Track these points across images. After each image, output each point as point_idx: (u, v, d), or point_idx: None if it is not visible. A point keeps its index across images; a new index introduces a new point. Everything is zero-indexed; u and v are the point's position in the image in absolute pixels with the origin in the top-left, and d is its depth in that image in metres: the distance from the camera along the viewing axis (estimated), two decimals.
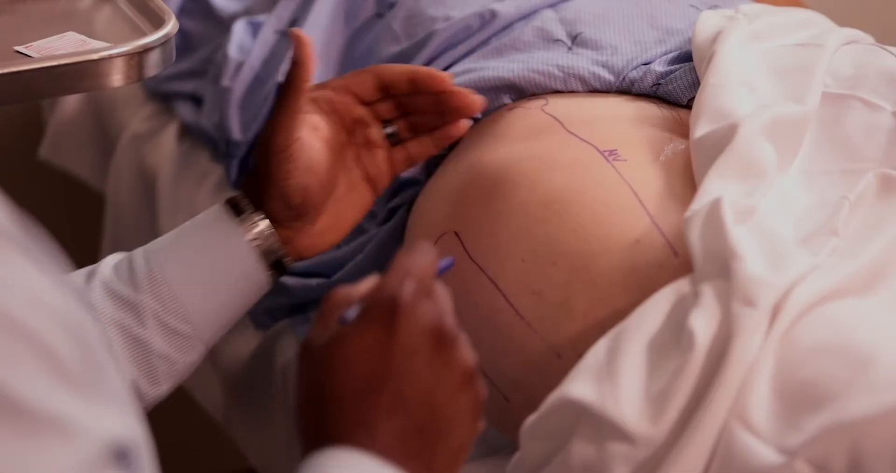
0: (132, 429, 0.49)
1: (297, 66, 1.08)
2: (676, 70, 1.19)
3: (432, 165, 1.25)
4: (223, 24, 1.61)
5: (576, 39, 1.27)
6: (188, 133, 1.61)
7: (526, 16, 1.33)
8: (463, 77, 1.24)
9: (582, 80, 1.21)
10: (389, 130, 1.16)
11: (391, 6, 1.45)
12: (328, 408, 0.81)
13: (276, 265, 1.11)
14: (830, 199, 1.02)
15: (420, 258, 0.85)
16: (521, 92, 1.21)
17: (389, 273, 0.84)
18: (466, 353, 0.84)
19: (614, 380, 0.88)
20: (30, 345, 0.47)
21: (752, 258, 0.90)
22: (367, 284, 0.85)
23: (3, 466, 0.45)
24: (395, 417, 0.81)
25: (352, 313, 0.83)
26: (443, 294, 0.84)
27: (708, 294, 0.89)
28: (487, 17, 1.32)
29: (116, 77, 1.14)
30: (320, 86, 1.14)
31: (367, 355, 0.81)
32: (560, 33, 1.28)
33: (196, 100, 1.61)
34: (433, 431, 0.82)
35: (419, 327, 0.82)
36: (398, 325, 0.81)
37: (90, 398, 0.48)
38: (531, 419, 0.92)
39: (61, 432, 0.47)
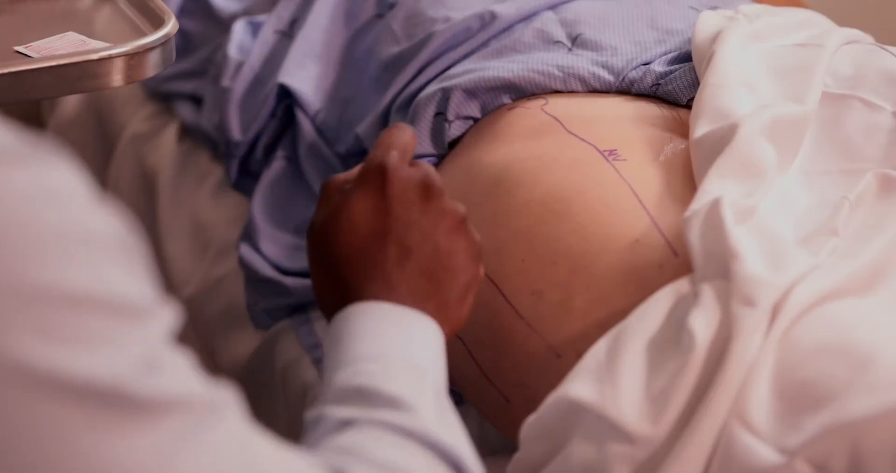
0: (151, 296, 0.60)
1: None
2: (676, 70, 1.19)
3: (432, 165, 1.25)
4: (223, 24, 1.62)
5: (576, 41, 1.27)
6: (188, 133, 1.61)
7: (526, 17, 1.34)
8: (463, 77, 1.24)
9: (582, 80, 1.21)
10: None
11: (391, 7, 1.45)
12: (342, 272, 0.90)
13: None
14: (830, 199, 1.02)
15: (400, 134, 0.96)
16: (520, 92, 1.21)
17: (374, 148, 0.94)
18: (455, 203, 0.93)
19: (614, 380, 0.88)
20: (123, 250, 0.58)
21: (751, 258, 0.90)
22: (359, 167, 0.95)
23: (106, 337, 0.56)
24: (404, 264, 0.89)
25: (347, 187, 0.93)
26: (423, 163, 0.95)
27: (708, 294, 0.89)
28: (487, 19, 1.32)
29: (116, 77, 1.14)
30: None
31: (366, 214, 0.91)
32: (560, 35, 1.28)
33: (196, 100, 1.61)
34: (440, 272, 0.90)
35: (408, 182, 0.92)
36: (389, 183, 0.91)
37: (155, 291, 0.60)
38: (531, 419, 0.92)
39: (151, 312, 0.59)
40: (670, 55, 1.23)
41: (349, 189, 0.93)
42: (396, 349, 0.84)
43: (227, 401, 0.63)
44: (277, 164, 1.44)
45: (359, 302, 0.88)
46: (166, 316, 0.60)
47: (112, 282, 0.57)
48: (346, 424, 0.77)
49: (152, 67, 1.16)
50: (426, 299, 0.90)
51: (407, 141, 0.96)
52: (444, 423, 0.81)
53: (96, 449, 0.55)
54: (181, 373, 0.60)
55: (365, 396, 0.79)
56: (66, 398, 0.54)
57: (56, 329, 0.54)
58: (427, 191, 0.93)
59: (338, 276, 0.90)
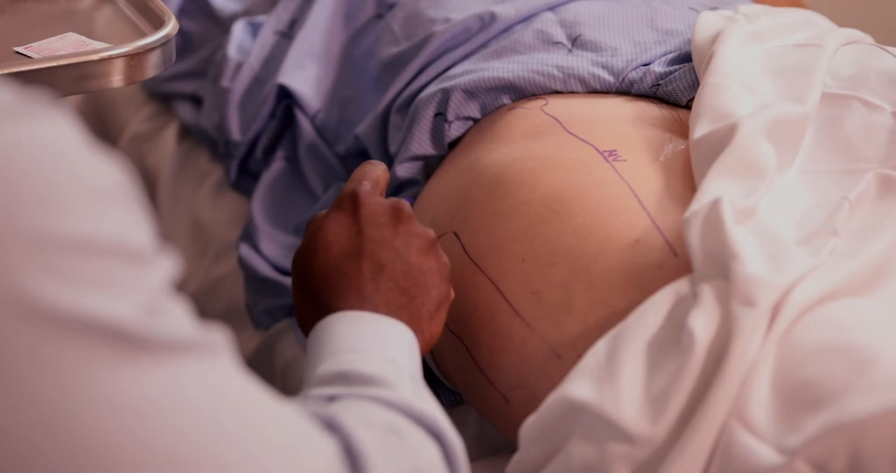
0: (151, 242, 0.62)
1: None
2: (676, 71, 1.19)
3: (432, 165, 1.25)
4: (223, 25, 1.62)
5: (575, 42, 1.27)
6: (188, 133, 1.61)
7: (525, 18, 1.34)
8: (463, 78, 1.24)
9: (581, 80, 1.21)
10: None
11: (391, 7, 1.45)
12: (318, 290, 0.95)
13: None
14: (830, 199, 1.02)
15: (372, 168, 1.04)
16: (520, 92, 1.21)
17: (348, 181, 1.02)
18: (425, 227, 1.01)
19: (614, 380, 0.88)
20: (123, 197, 0.61)
21: (751, 259, 0.90)
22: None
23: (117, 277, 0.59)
24: (377, 278, 0.95)
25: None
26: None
27: (707, 295, 0.89)
28: (487, 20, 1.32)
29: (117, 78, 1.14)
30: None
31: (339, 235, 0.98)
32: (560, 36, 1.28)
33: (196, 100, 1.61)
34: (413, 286, 0.96)
35: (379, 206, 1.00)
36: (360, 207, 0.99)
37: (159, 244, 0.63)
38: (531, 419, 0.92)
39: (152, 258, 0.62)
40: (670, 56, 1.23)
41: (323, 216, 0.99)
42: (371, 346, 0.89)
43: (221, 346, 0.65)
44: (277, 164, 1.44)
45: (334, 314, 0.92)
46: (166, 264, 0.62)
47: (116, 228, 0.60)
48: (330, 399, 0.81)
49: (152, 67, 1.16)
50: (400, 310, 0.95)
51: (379, 175, 1.03)
52: (422, 399, 0.84)
53: (100, 383, 0.58)
54: (179, 319, 0.62)
55: (344, 378, 0.83)
56: (74, 335, 0.57)
57: (64, 272, 0.57)
58: (397, 214, 0.99)
59: (315, 295, 0.95)
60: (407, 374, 0.87)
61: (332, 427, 0.74)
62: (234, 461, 0.63)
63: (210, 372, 0.63)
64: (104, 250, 0.59)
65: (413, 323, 0.95)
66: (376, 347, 0.89)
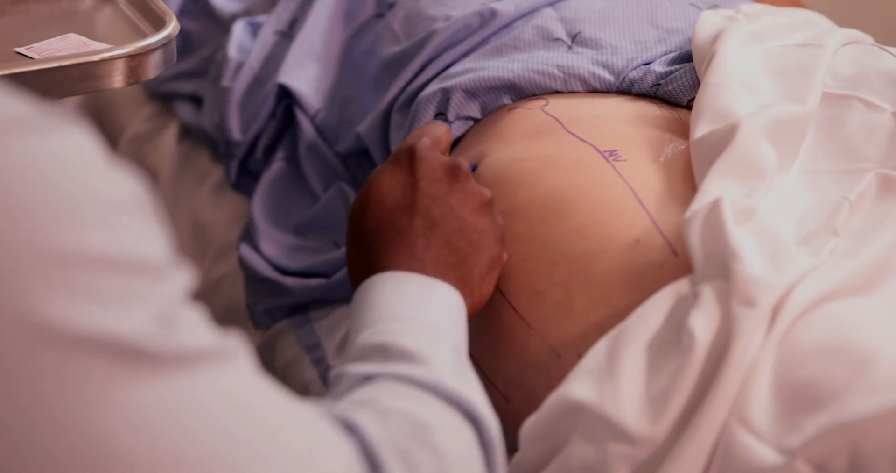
0: (167, 255, 0.62)
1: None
2: (676, 70, 1.19)
3: None
4: (223, 25, 1.62)
5: (576, 38, 1.27)
6: (188, 133, 1.61)
7: (525, 14, 1.34)
8: (463, 77, 1.24)
9: (582, 80, 1.21)
10: None
11: (391, 6, 1.45)
12: (369, 243, 0.94)
13: None
14: (831, 199, 1.02)
15: (434, 127, 1.02)
16: (521, 92, 1.21)
17: (408, 137, 1.00)
18: (482, 187, 0.99)
19: (614, 380, 0.88)
20: (140, 212, 0.61)
21: (751, 259, 0.90)
22: None
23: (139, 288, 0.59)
24: (429, 235, 0.93)
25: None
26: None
27: (708, 295, 0.89)
28: (487, 16, 1.32)
29: (117, 78, 1.14)
30: None
31: (393, 188, 0.96)
32: (560, 32, 1.28)
33: (196, 100, 1.61)
34: (464, 245, 0.94)
35: (436, 162, 0.98)
36: (417, 162, 0.97)
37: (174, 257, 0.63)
38: (531, 419, 0.92)
39: (167, 271, 0.62)
40: (671, 55, 1.23)
41: (379, 169, 0.97)
42: (415, 312, 0.87)
43: (237, 352, 0.65)
44: (277, 164, 1.44)
45: (381, 272, 0.91)
46: (182, 275, 0.62)
47: (131, 242, 0.59)
48: (365, 379, 0.80)
49: (153, 68, 1.16)
50: (449, 270, 0.93)
51: (441, 134, 1.01)
52: (461, 377, 0.83)
53: (116, 400, 0.58)
54: (195, 328, 0.62)
55: (383, 352, 0.82)
56: (87, 354, 0.57)
57: (78, 288, 0.57)
58: (454, 172, 0.97)
59: (365, 248, 0.94)
60: (449, 343, 0.86)
61: (351, 429, 0.73)
62: (250, 468, 0.63)
63: (225, 380, 0.63)
64: (120, 265, 0.58)
65: (462, 284, 0.94)
66: (419, 313, 0.87)
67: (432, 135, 1.01)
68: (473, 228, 0.96)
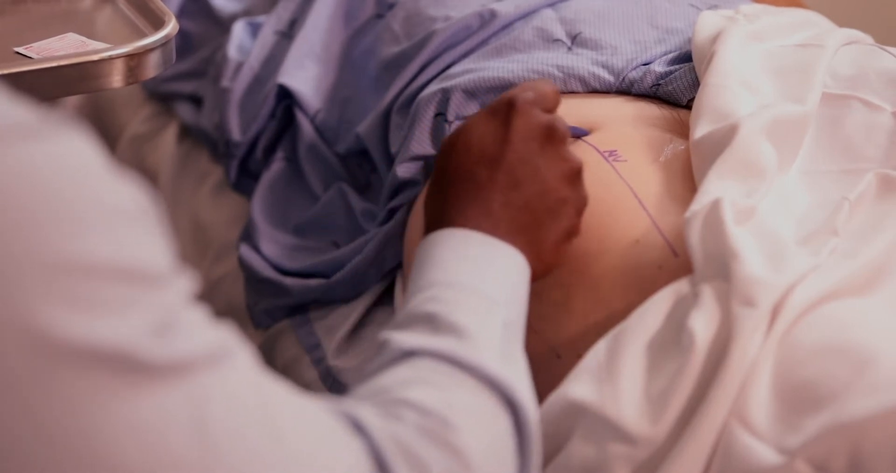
0: (168, 262, 0.62)
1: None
2: (676, 70, 1.19)
3: (432, 165, 1.25)
4: (223, 25, 1.62)
5: (575, 39, 1.27)
6: (188, 133, 1.61)
7: (525, 15, 1.34)
8: (463, 77, 1.24)
9: (582, 80, 1.21)
10: None
11: (391, 6, 1.45)
12: (448, 189, 0.91)
13: None
14: (830, 199, 1.02)
15: (542, 84, 0.97)
16: None
17: (515, 88, 0.96)
18: (576, 155, 0.93)
19: (614, 381, 0.88)
20: (141, 219, 0.60)
21: (751, 259, 0.90)
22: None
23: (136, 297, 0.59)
24: (508, 193, 0.90)
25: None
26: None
27: (708, 295, 0.89)
28: (487, 17, 1.32)
29: (116, 78, 1.14)
30: None
31: (485, 139, 0.92)
32: (560, 33, 1.28)
33: (196, 100, 1.61)
34: (542, 211, 0.91)
35: (534, 119, 0.93)
36: (514, 116, 0.93)
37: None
38: None
39: (168, 278, 0.61)
40: (670, 55, 1.23)
41: (476, 113, 0.94)
42: (472, 279, 0.85)
43: (237, 352, 0.64)
44: (277, 164, 1.44)
45: (447, 229, 0.88)
46: (183, 281, 0.62)
47: (131, 250, 0.59)
48: (406, 355, 0.78)
49: (152, 67, 1.16)
50: (521, 232, 0.90)
51: (548, 91, 0.96)
52: (506, 357, 0.81)
53: (115, 412, 0.57)
54: (195, 333, 0.61)
55: (431, 323, 0.80)
56: (86, 366, 0.57)
57: (77, 298, 0.57)
58: (550, 134, 0.94)
59: (442, 193, 0.91)
60: (501, 318, 0.83)
61: (358, 428, 0.71)
62: (255, 470, 0.62)
63: (226, 383, 0.62)
64: (119, 272, 0.58)
65: (533, 249, 0.91)
66: (478, 280, 0.85)
67: (538, 90, 0.96)
68: (556, 194, 0.93)
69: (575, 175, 0.95)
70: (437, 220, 0.90)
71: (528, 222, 0.91)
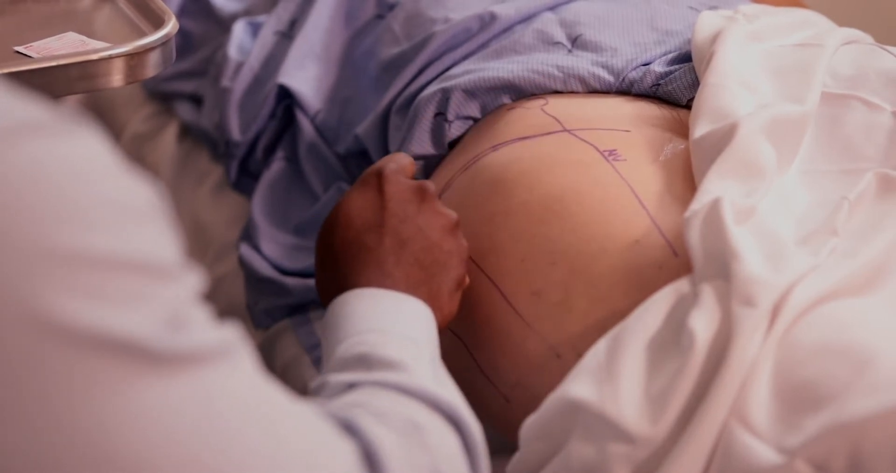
0: (176, 258, 0.62)
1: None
2: (676, 70, 1.19)
3: (432, 165, 1.25)
4: (223, 25, 1.62)
5: (575, 42, 1.27)
6: (188, 133, 1.61)
7: (526, 18, 1.34)
8: (463, 78, 1.24)
9: (581, 80, 1.21)
10: None
11: (391, 8, 1.45)
12: (339, 262, 0.96)
13: None
14: (830, 199, 1.02)
15: (400, 157, 1.04)
16: (520, 92, 1.21)
17: (377, 162, 1.04)
18: (448, 209, 1.02)
19: (614, 380, 0.88)
20: (150, 215, 0.61)
21: (751, 259, 0.90)
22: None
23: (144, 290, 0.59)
24: (398, 253, 0.96)
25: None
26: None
27: (708, 294, 0.89)
28: (487, 20, 1.32)
29: (116, 77, 1.14)
30: None
31: (362, 209, 0.99)
32: (560, 36, 1.28)
33: (196, 100, 1.61)
34: (431, 264, 0.97)
35: (404, 184, 1.01)
36: (385, 184, 1.00)
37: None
38: (531, 419, 0.92)
39: (175, 273, 0.62)
40: (670, 55, 1.23)
41: (347, 191, 0.99)
42: (391, 324, 0.89)
43: (240, 350, 0.65)
44: (277, 164, 1.44)
45: (353, 289, 0.93)
46: (192, 277, 0.63)
47: (140, 245, 0.60)
48: (348, 386, 0.81)
49: (152, 67, 1.16)
50: (419, 287, 0.95)
51: (406, 163, 1.04)
52: (441, 383, 0.84)
53: (122, 399, 0.58)
54: (202, 328, 0.62)
55: (364, 361, 0.84)
56: (94, 353, 0.57)
57: (87, 288, 0.57)
58: (422, 193, 1.00)
59: (336, 268, 0.96)
60: (427, 354, 0.87)
61: (350, 429, 0.73)
62: (255, 467, 0.63)
63: (229, 379, 0.63)
64: (127, 266, 0.59)
65: (432, 300, 0.96)
66: (396, 325, 0.90)
67: (398, 162, 1.03)
68: (440, 247, 0.98)
69: (453, 227, 1.00)
70: (337, 290, 0.94)
71: (422, 277, 0.96)
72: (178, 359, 0.60)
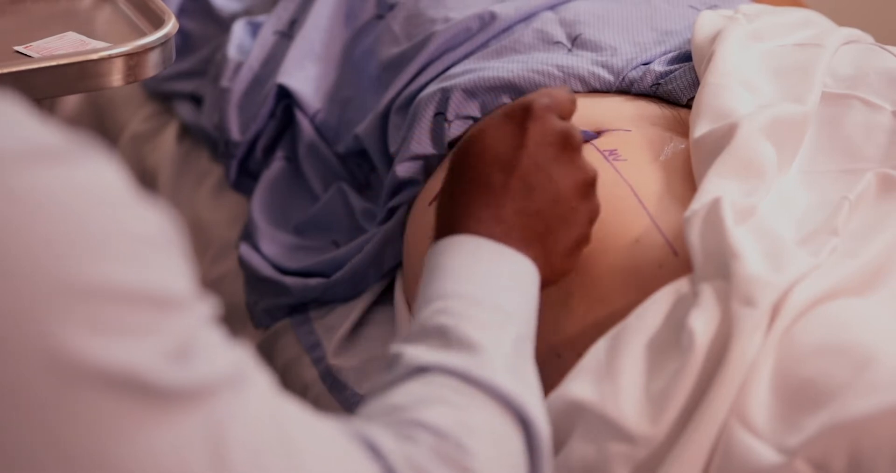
0: (188, 287, 0.62)
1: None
2: (676, 70, 1.19)
3: (432, 164, 1.25)
4: (223, 25, 1.62)
5: (575, 41, 1.27)
6: (188, 133, 1.61)
7: (525, 18, 1.34)
8: (463, 77, 1.24)
9: (581, 79, 1.21)
10: None
11: (391, 7, 1.45)
12: (461, 192, 0.90)
13: None
14: (830, 199, 1.02)
15: (559, 91, 0.95)
16: (520, 92, 1.21)
17: (532, 93, 0.95)
18: (590, 164, 0.94)
19: (614, 380, 0.88)
20: (165, 246, 0.61)
21: (751, 258, 0.90)
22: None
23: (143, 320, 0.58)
24: (521, 199, 0.89)
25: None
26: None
27: (707, 294, 0.89)
28: (487, 19, 1.32)
29: (116, 77, 1.14)
30: None
31: (500, 143, 0.91)
32: (560, 35, 1.28)
33: (196, 100, 1.61)
34: (554, 219, 0.90)
35: (551, 126, 0.92)
36: (530, 122, 0.91)
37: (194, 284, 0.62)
38: None
39: (189, 303, 0.61)
40: (670, 55, 1.23)
41: (491, 116, 0.93)
42: (484, 290, 0.84)
43: (255, 375, 0.63)
44: (277, 164, 1.44)
45: (458, 235, 0.88)
46: (204, 306, 0.62)
47: (151, 276, 0.59)
48: (418, 370, 0.78)
49: (152, 66, 1.16)
50: (533, 240, 0.90)
51: (564, 98, 0.95)
52: (516, 372, 0.80)
53: (126, 436, 0.57)
54: (213, 357, 0.61)
55: (443, 336, 0.80)
56: (105, 390, 0.56)
57: (98, 322, 0.57)
58: (566, 141, 0.92)
59: (456, 195, 0.91)
60: (512, 332, 0.82)
61: (375, 451, 0.71)
62: None
63: (243, 407, 0.62)
64: (139, 298, 0.58)
65: (543, 256, 0.90)
66: (489, 290, 0.84)
67: (555, 97, 0.94)
68: (569, 203, 0.92)
69: (589, 185, 0.94)
70: (448, 223, 0.90)
71: (540, 231, 0.90)
72: (186, 393, 0.59)
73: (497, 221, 0.89)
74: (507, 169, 0.90)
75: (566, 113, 0.95)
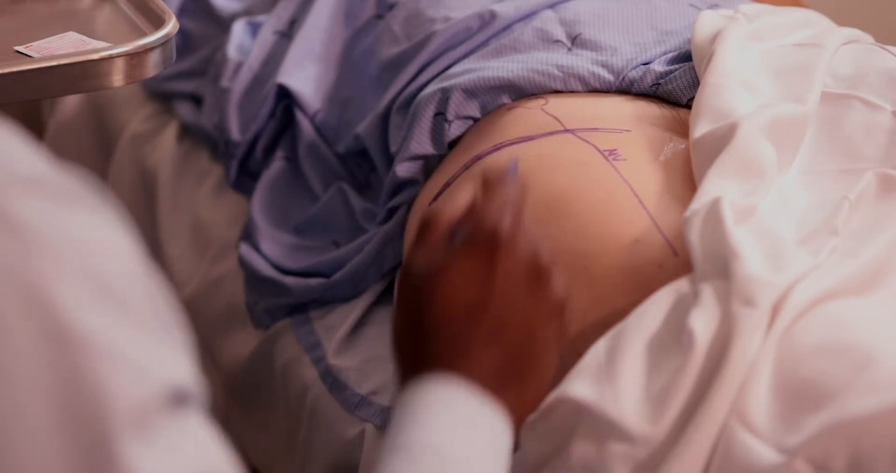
0: (192, 377, 0.57)
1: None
2: (676, 70, 1.19)
3: (432, 164, 1.25)
4: (223, 25, 1.62)
5: (575, 40, 1.27)
6: (188, 133, 1.61)
7: (525, 17, 1.34)
8: (463, 77, 1.24)
9: (581, 79, 1.21)
10: None
11: (391, 7, 1.45)
12: (429, 336, 0.83)
13: None
14: (830, 199, 1.02)
15: (513, 188, 0.87)
16: (520, 92, 1.21)
17: (488, 201, 0.86)
18: (559, 286, 0.86)
19: (614, 380, 0.88)
20: (106, 290, 0.55)
21: (751, 258, 0.90)
22: (462, 203, 0.87)
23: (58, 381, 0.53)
24: (494, 345, 0.83)
25: (458, 238, 0.84)
26: (530, 226, 0.87)
27: (708, 294, 0.89)
28: (487, 19, 1.32)
29: (117, 77, 1.14)
30: None
31: (469, 284, 0.83)
32: (560, 34, 1.28)
33: (196, 99, 1.61)
34: (527, 360, 0.84)
35: (519, 258, 0.84)
36: (500, 256, 0.83)
37: (154, 344, 0.56)
38: (532, 418, 0.92)
39: (121, 364, 0.54)
40: (670, 55, 1.23)
41: (456, 249, 0.84)
42: (456, 455, 0.79)
43: None
44: (277, 164, 1.44)
45: (432, 379, 0.82)
46: (198, 395, 0.59)
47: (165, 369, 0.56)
48: None
49: (153, 66, 1.16)
50: (507, 386, 0.83)
51: (518, 199, 0.87)
52: None
53: None
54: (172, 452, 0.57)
55: None
56: None
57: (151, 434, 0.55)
58: (536, 270, 0.85)
59: (424, 337, 0.84)
60: None
61: None
62: None
63: None
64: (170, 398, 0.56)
65: (515, 400, 0.84)
66: (460, 457, 0.78)
67: (513, 206, 0.86)
68: (539, 342, 0.85)
69: (559, 314, 0.87)
70: (416, 365, 0.83)
71: (514, 375, 0.84)
72: None
73: (468, 366, 0.82)
74: (478, 313, 0.83)
75: (522, 213, 0.87)
